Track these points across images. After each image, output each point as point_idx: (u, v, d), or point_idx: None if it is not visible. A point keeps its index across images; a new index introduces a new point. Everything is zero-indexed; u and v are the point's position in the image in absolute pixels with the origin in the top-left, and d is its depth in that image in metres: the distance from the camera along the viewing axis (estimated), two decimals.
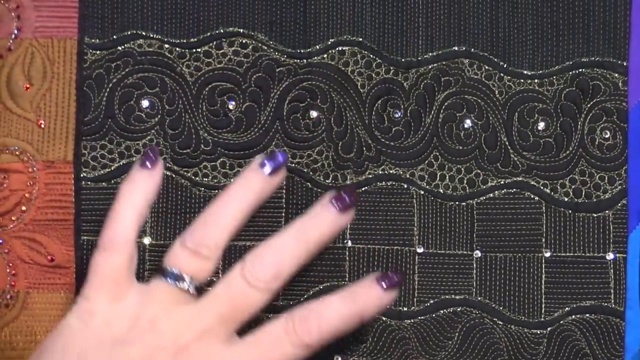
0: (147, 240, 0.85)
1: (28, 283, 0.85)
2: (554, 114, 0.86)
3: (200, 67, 0.85)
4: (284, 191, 0.85)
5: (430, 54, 0.86)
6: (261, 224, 0.85)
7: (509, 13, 0.86)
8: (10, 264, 0.85)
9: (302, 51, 0.86)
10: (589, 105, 0.86)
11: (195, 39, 0.85)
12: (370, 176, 0.86)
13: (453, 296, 0.86)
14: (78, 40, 0.85)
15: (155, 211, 0.85)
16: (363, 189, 0.86)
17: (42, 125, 0.85)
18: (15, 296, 0.85)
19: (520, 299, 0.87)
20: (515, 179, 0.86)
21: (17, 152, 0.85)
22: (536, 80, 0.86)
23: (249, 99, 0.85)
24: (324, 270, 0.86)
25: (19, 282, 0.85)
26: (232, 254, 0.85)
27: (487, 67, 0.86)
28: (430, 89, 0.86)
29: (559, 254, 0.86)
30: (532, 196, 0.86)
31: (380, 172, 0.86)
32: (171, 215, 0.85)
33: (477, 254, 0.86)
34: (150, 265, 0.85)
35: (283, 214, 0.85)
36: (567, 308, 0.87)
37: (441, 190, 0.86)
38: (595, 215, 0.87)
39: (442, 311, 0.86)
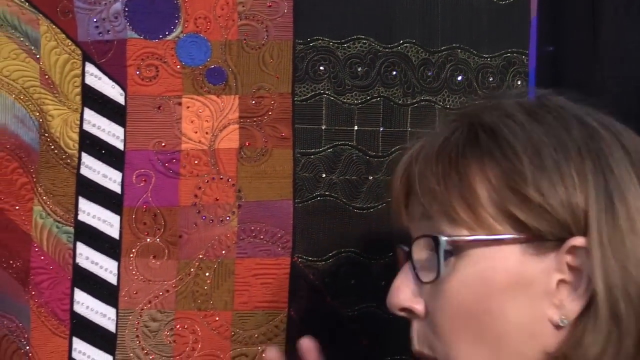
0: None
1: None
2: (496, 73, 1.98)
3: (346, 52, 1.93)
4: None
5: (443, 47, 1.96)
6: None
7: (476, 28, 1.97)
8: None
9: (390, 45, 1.94)
10: (511, 70, 1.98)
11: (344, 40, 1.93)
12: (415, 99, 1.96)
13: None
14: (292, 41, 1.91)
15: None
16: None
17: (278, 78, 1.91)
18: None
19: None
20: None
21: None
22: (489, 59, 1.98)
23: (367, 66, 1.94)
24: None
25: None
26: None
27: (467, 54, 1.97)
28: (442, 63, 1.96)
29: None
30: None
31: (421, 98, 1.96)
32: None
33: None
34: None
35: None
36: None
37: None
38: None
39: None
